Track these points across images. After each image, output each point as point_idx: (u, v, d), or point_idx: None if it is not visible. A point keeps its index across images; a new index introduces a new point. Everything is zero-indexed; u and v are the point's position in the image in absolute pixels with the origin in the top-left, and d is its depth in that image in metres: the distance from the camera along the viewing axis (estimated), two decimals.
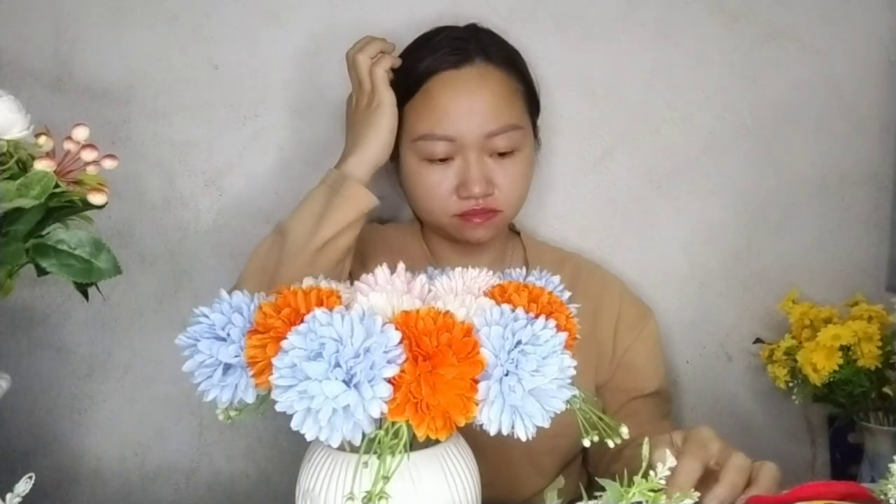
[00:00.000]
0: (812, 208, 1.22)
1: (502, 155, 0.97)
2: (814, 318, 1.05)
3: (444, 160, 0.96)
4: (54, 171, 0.67)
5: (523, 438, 0.57)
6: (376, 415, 0.55)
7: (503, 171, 0.98)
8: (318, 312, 0.57)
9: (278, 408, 0.56)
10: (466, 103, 0.95)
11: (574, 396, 0.61)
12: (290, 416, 0.56)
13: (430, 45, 0.99)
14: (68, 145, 0.69)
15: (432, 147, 0.96)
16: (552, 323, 0.61)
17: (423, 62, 0.98)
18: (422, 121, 0.96)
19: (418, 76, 0.97)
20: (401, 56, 1.01)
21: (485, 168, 0.96)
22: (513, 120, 0.98)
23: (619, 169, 1.19)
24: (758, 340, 1.16)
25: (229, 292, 0.64)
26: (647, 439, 0.66)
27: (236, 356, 0.61)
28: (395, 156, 1.01)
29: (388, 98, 0.95)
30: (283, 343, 0.56)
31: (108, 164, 0.70)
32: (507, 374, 0.57)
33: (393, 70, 0.98)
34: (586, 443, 0.63)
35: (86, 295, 0.72)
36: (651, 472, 0.62)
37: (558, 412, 0.59)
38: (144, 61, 1.11)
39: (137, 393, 1.14)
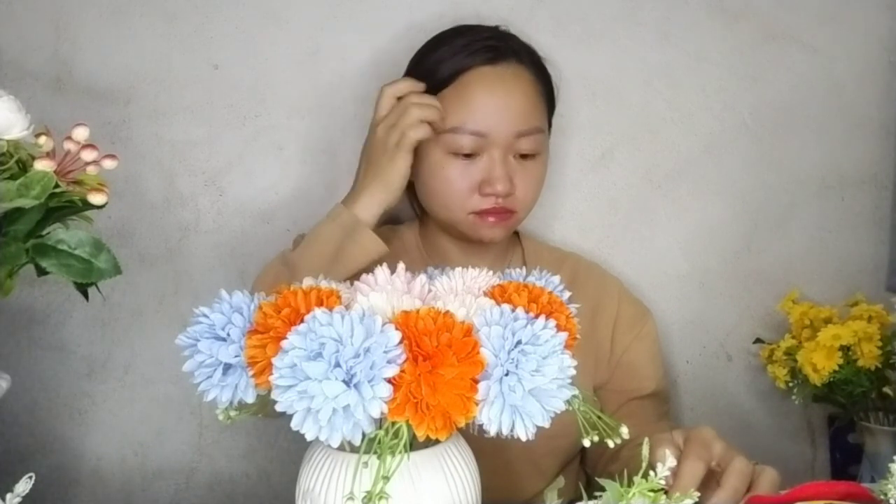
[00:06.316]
0: (812, 208, 1.22)
1: (524, 156, 0.98)
2: (814, 318, 1.05)
3: (468, 155, 0.96)
4: (54, 171, 0.67)
5: (523, 438, 0.57)
6: (376, 415, 0.55)
7: (524, 172, 0.98)
8: (318, 312, 0.57)
9: (278, 408, 0.56)
10: (501, 100, 0.96)
11: (574, 396, 0.61)
12: (290, 416, 0.56)
13: (465, 39, 0.99)
14: (68, 145, 0.69)
15: (461, 141, 0.95)
16: (552, 323, 0.61)
17: (459, 56, 0.97)
18: (453, 113, 0.96)
19: (452, 69, 0.97)
20: (429, 47, 1.01)
21: (509, 167, 0.97)
22: (538, 123, 0.99)
23: (619, 169, 1.19)
24: (758, 340, 1.16)
25: None
26: (646, 439, 0.66)
27: (236, 356, 0.61)
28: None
29: (404, 161, 0.94)
30: (283, 343, 0.56)
31: (108, 164, 0.70)
32: (507, 374, 0.57)
33: (421, 62, 1.00)
34: (586, 443, 0.63)
35: (86, 295, 0.72)
36: (651, 472, 0.62)
37: (558, 412, 0.59)
38: (144, 61, 1.11)
39: (137, 393, 1.14)
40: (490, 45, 0.98)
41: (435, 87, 0.97)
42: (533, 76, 1.00)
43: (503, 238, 1.02)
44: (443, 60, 0.98)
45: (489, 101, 0.95)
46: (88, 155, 0.69)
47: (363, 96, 1.13)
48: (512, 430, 0.58)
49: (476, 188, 0.96)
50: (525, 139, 0.97)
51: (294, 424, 0.55)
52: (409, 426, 0.56)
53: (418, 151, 0.98)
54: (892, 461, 0.67)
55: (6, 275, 0.68)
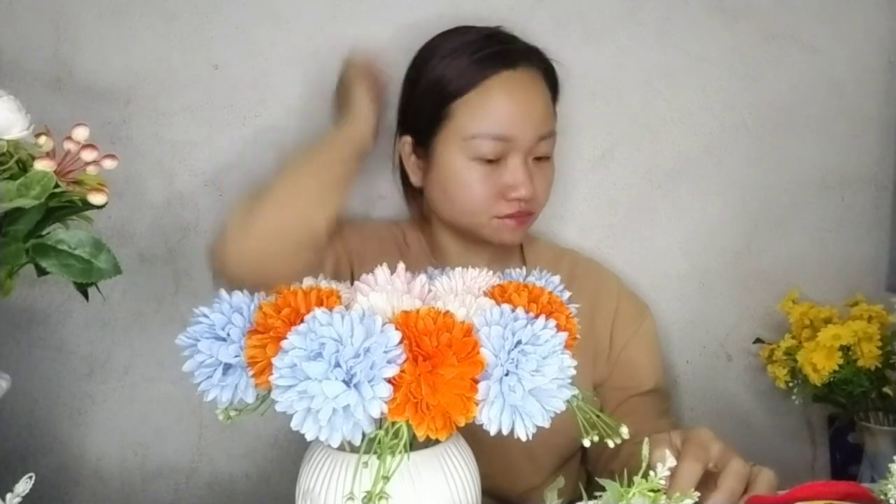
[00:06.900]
0: (812, 208, 1.22)
1: (538, 159, 0.99)
2: (814, 318, 1.06)
3: (490, 161, 0.96)
4: (54, 171, 0.67)
5: (523, 438, 0.57)
6: (376, 415, 0.55)
7: (540, 174, 0.99)
8: (318, 312, 0.57)
9: (278, 408, 0.56)
10: (523, 105, 0.96)
11: (574, 396, 0.61)
12: (290, 416, 0.56)
13: (474, 46, 0.97)
14: (68, 145, 0.69)
15: (484, 147, 0.95)
16: (552, 323, 0.61)
17: (475, 64, 0.96)
18: (477, 120, 0.95)
19: (473, 75, 0.96)
20: (434, 56, 1.00)
21: (530, 171, 0.97)
22: (553, 125, 1.00)
23: (619, 169, 1.19)
24: (758, 340, 1.16)
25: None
26: (646, 439, 0.66)
27: (236, 356, 0.61)
28: (424, 154, 1.01)
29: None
30: (283, 343, 0.56)
31: (108, 164, 0.70)
32: (507, 374, 0.57)
33: (431, 71, 0.99)
34: (586, 443, 0.63)
35: (86, 295, 0.72)
36: (651, 473, 0.62)
37: (558, 412, 0.59)
38: (144, 61, 1.11)
39: (137, 393, 1.14)
40: (505, 50, 0.97)
41: (457, 91, 0.96)
42: (543, 79, 1.00)
43: (522, 240, 1.03)
44: (461, 66, 0.96)
45: (512, 106, 0.95)
46: (88, 155, 0.69)
47: None
48: (512, 430, 0.58)
49: (500, 193, 0.96)
50: (544, 142, 0.98)
51: (294, 424, 0.55)
52: (409, 426, 0.56)
53: (436, 158, 0.98)
54: (892, 461, 0.67)
55: (6, 275, 0.68)
